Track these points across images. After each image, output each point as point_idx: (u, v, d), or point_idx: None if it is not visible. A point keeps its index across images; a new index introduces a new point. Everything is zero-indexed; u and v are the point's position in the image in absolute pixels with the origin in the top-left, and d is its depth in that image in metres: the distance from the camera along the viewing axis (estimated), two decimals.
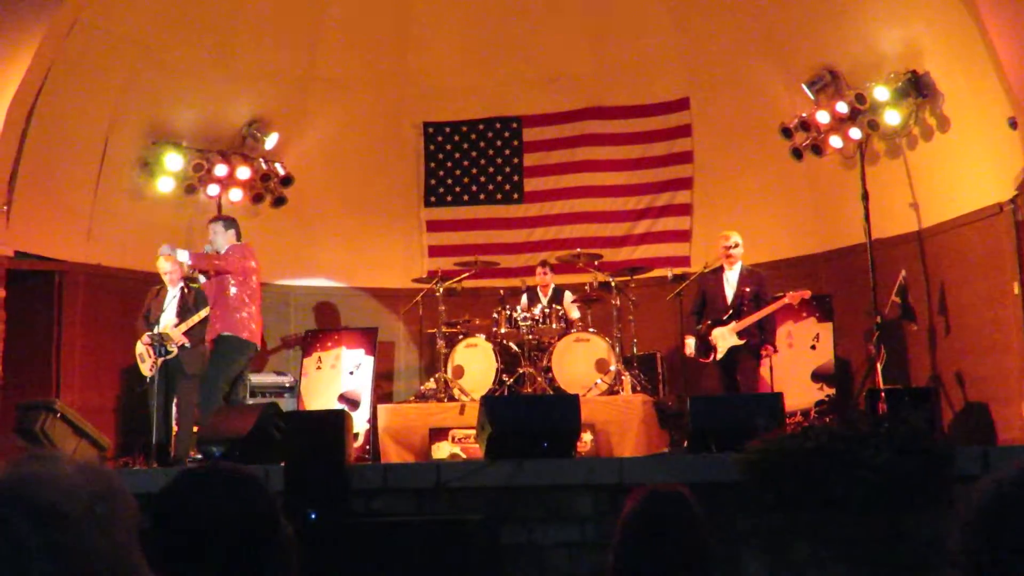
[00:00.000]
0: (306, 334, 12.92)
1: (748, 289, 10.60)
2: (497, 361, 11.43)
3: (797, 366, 11.70)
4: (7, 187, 11.07)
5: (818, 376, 11.72)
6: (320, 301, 13.76)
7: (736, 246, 10.73)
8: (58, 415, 10.18)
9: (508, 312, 11.60)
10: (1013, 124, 9.99)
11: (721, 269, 10.82)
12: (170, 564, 1.35)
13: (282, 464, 7.35)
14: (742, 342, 10.43)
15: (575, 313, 11.98)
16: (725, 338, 10.49)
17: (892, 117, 11.38)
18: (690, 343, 10.84)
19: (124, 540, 1.23)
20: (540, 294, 12.26)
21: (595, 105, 14.06)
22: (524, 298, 12.18)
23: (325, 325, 13.12)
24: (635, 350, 11.90)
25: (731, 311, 10.58)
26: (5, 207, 11.07)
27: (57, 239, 11.79)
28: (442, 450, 10.96)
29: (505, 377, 11.42)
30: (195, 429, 9.99)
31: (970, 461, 6.48)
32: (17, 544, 1.12)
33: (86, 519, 1.18)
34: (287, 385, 12.52)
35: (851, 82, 11.86)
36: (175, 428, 10.31)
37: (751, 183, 13.17)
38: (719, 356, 10.56)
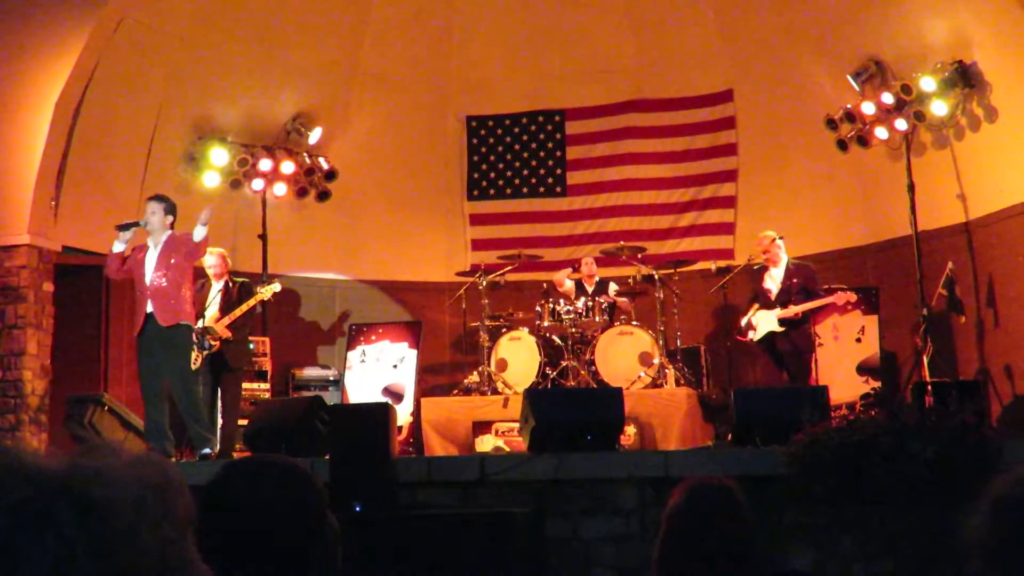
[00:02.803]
0: (350, 327, 12.96)
1: (795, 281, 10.69)
2: (540, 354, 11.43)
3: (842, 359, 11.61)
4: (55, 183, 11.19)
5: (864, 369, 11.62)
6: (364, 295, 13.80)
7: (768, 249, 10.87)
8: (106, 408, 10.31)
9: (551, 305, 11.59)
10: None
11: (766, 267, 10.93)
12: (216, 556, 1.35)
13: (327, 457, 7.40)
14: (781, 329, 10.51)
15: (622, 298, 11.99)
16: (766, 319, 10.61)
17: (939, 108, 11.26)
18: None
19: (174, 535, 1.23)
20: (585, 285, 12.22)
21: (638, 98, 14.01)
22: (570, 283, 12.18)
23: (369, 319, 13.14)
24: (679, 343, 11.87)
25: (777, 303, 10.67)
26: (53, 203, 11.19)
27: (105, 234, 11.83)
28: (485, 443, 10.97)
29: (548, 370, 11.42)
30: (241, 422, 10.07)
31: (1018, 454, 6.42)
32: (61, 538, 1.13)
33: (133, 513, 1.18)
34: (331, 378, 12.58)
35: (897, 73, 11.75)
36: (220, 421, 10.38)
37: (796, 175, 13.09)
38: (756, 338, 10.76)
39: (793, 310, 10.55)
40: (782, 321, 10.56)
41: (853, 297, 10.81)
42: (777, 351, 10.79)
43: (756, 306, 10.86)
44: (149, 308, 8.95)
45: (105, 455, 1.23)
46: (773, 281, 10.86)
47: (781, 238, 11.15)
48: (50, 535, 1.12)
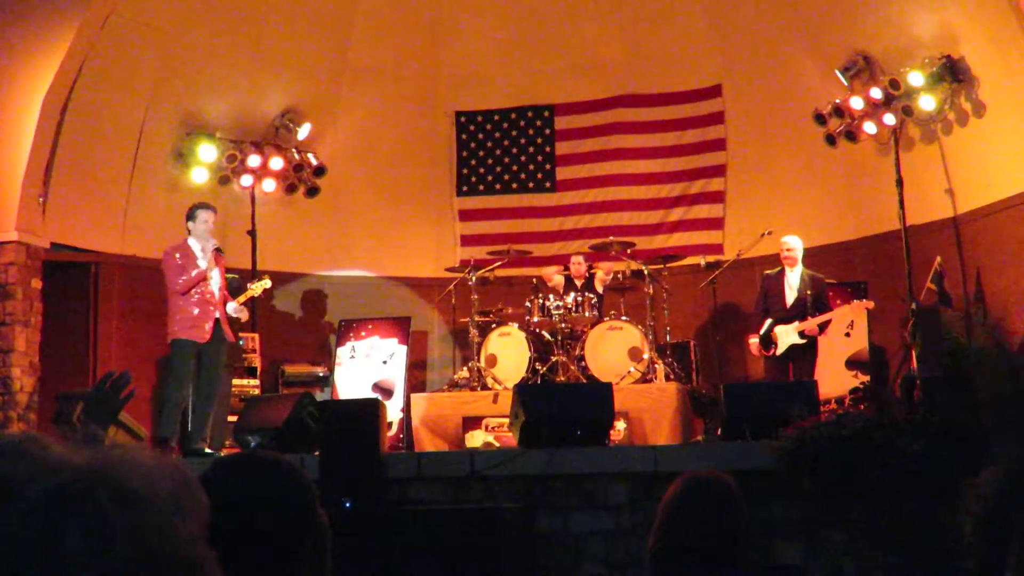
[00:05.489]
0: (340, 323, 12.95)
1: (809, 292, 10.76)
2: (530, 350, 11.42)
3: (832, 353, 11.63)
4: (43, 179, 11.15)
5: (853, 363, 11.64)
6: (353, 290, 13.78)
7: (791, 250, 11.03)
8: None
9: (541, 301, 11.59)
10: None
11: (782, 272, 10.99)
12: None
13: (317, 453, 7.40)
14: (803, 341, 10.72)
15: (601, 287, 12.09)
16: (788, 335, 10.71)
17: (927, 102, 11.28)
18: (754, 343, 11.14)
19: (199, 530, 1.24)
20: (575, 281, 12.24)
21: (627, 93, 14.01)
22: (559, 277, 12.21)
23: (359, 314, 13.14)
24: (668, 338, 11.89)
25: (793, 312, 10.82)
26: (41, 199, 11.16)
27: (93, 231, 11.87)
28: (476, 439, 10.97)
29: (538, 366, 11.41)
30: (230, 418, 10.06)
31: (1005, 449, 6.44)
32: (102, 523, 1.13)
33: (168, 506, 1.19)
34: (321, 375, 12.57)
35: (885, 67, 11.78)
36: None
37: (785, 170, 13.11)
38: (779, 352, 10.83)
39: (812, 323, 10.65)
40: (802, 334, 10.70)
41: (871, 304, 11.00)
42: (789, 358, 10.87)
43: (770, 321, 10.90)
44: (217, 315, 9.46)
45: (130, 451, 1.24)
46: (791, 288, 10.94)
47: (769, 233, 11.23)
48: (90, 518, 1.12)
